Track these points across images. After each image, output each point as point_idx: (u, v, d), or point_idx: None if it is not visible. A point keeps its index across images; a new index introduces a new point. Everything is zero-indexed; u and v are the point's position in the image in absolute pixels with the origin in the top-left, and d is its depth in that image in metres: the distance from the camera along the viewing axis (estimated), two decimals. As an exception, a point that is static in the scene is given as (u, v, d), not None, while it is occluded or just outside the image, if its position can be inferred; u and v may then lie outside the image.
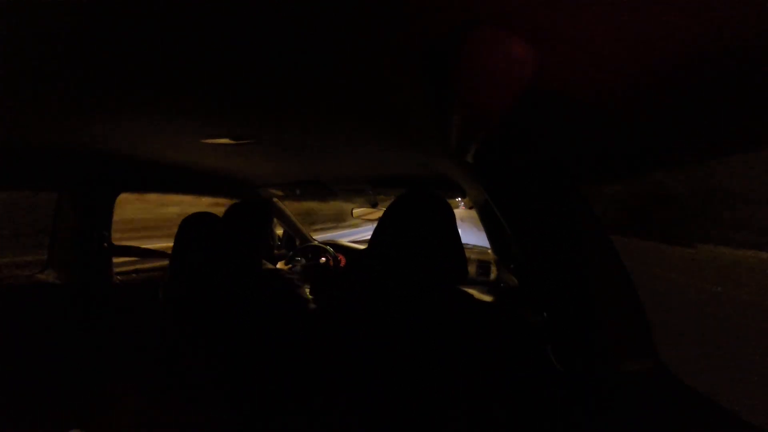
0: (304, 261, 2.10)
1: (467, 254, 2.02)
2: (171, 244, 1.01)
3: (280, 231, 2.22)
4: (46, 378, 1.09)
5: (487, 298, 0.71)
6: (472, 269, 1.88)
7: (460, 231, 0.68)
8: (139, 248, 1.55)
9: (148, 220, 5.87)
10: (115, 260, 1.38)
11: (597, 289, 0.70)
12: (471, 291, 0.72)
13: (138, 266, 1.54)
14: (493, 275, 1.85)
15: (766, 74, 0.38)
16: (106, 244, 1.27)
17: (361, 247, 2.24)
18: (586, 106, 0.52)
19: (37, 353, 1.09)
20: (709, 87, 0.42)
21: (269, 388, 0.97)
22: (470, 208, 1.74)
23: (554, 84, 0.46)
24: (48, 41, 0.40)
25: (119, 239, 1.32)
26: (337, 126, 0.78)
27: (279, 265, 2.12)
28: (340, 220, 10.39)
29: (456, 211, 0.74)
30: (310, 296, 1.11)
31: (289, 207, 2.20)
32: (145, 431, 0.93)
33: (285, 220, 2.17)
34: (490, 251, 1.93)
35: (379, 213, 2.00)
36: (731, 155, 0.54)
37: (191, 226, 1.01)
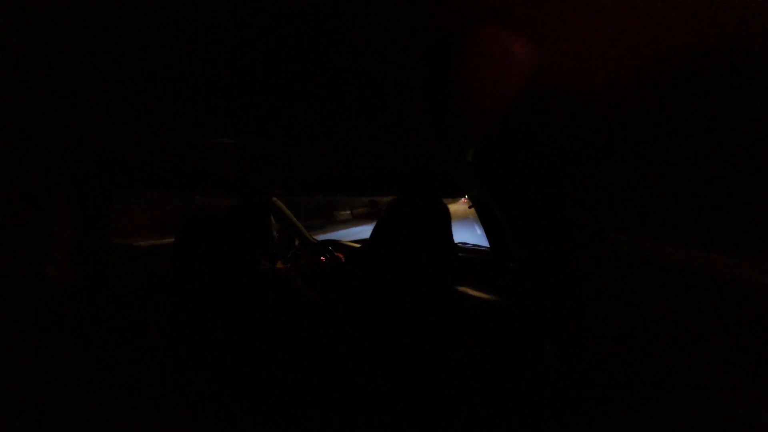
0: (303, 260, 2.10)
1: (466, 254, 2.02)
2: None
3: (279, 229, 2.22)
4: (46, 377, 1.09)
5: (486, 297, 0.71)
6: (470, 268, 1.88)
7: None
8: (139, 248, 1.55)
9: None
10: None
11: (597, 289, 0.70)
12: (469, 290, 0.72)
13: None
14: (492, 275, 1.85)
15: (767, 73, 0.38)
16: (105, 244, 1.27)
17: (360, 245, 2.24)
18: (587, 104, 0.52)
19: (37, 352, 1.09)
20: (710, 85, 0.42)
21: (271, 387, 0.97)
22: (470, 207, 1.74)
23: (555, 82, 0.45)
24: (47, 39, 0.40)
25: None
26: (336, 125, 0.78)
27: (278, 265, 2.12)
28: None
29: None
30: (310, 295, 1.11)
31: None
32: (146, 430, 0.93)
33: (284, 220, 2.17)
34: (488, 250, 1.93)
35: (377, 211, 2.00)
36: (731, 153, 0.54)
37: (191, 226, 1.01)
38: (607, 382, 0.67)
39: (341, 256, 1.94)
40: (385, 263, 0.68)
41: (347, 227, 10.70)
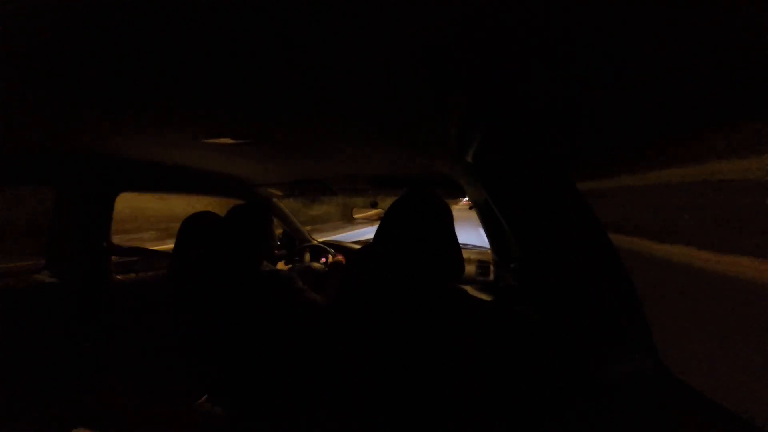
0: (304, 261, 2.10)
1: (467, 254, 2.00)
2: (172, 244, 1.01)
3: (279, 231, 2.22)
4: (46, 377, 1.09)
5: (487, 298, 0.71)
6: (471, 269, 1.88)
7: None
8: (138, 248, 1.55)
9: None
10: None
11: (597, 289, 0.70)
12: (471, 291, 0.72)
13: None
14: (492, 275, 1.85)
15: (766, 73, 0.38)
16: (105, 244, 1.27)
17: (360, 246, 2.23)
18: (586, 104, 0.52)
19: (37, 353, 1.09)
20: (707, 84, 0.42)
21: (271, 387, 0.97)
22: (470, 208, 1.74)
23: (553, 83, 0.46)
24: (48, 41, 0.40)
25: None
26: (336, 126, 0.78)
27: (279, 265, 2.12)
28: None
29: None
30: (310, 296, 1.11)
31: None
32: (145, 430, 0.93)
33: (285, 220, 2.17)
34: (489, 251, 1.92)
35: (378, 213, 2.00)
36: (730, 153, 0.54)
37: (193, 226, 1.01)
38: (608, 383, 0.67)
39: (342, 257, 1.94)
40: (386, 263, 0.68)
41: (355, 229, 10.70)
